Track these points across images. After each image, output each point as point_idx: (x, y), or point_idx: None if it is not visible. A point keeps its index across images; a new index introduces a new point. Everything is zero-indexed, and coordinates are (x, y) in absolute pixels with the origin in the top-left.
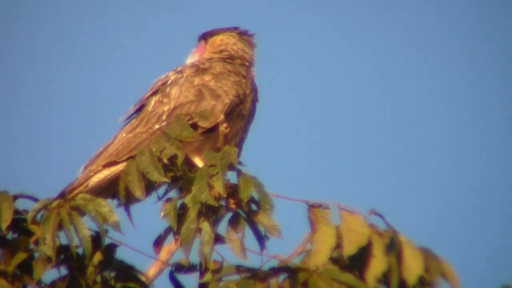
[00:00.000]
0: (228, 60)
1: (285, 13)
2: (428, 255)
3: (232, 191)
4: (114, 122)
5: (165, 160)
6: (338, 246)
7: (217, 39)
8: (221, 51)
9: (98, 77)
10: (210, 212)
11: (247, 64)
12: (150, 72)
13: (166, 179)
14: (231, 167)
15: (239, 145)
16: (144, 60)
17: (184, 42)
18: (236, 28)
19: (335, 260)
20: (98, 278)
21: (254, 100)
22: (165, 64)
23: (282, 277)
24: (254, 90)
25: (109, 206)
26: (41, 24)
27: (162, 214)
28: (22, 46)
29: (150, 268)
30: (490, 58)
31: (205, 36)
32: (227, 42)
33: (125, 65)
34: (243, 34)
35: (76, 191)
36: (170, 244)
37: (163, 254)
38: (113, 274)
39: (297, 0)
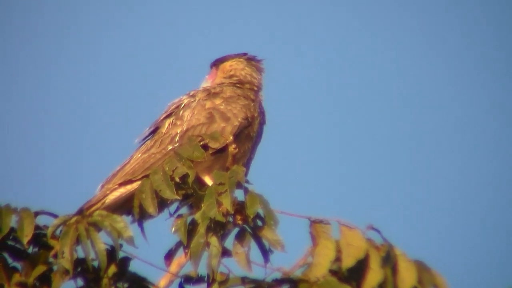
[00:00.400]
0: (238, 85)
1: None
2: (421, 267)
3: (239, 207)
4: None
5: (177, 179)
6: (338, 259)
7: (227, 65)
8: (231, 76)
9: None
10: (218, 228)
11: (255, 88)
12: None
13: (177, 197)
14: (238, 185)
15: (247, 165)
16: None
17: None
18: (244, 54)
19: (335, 272)
20: None
21: (262, 123)
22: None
23: None
24: (261, 113)
25: (124, 222)
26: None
27: (173, 229)
28: (43, 58)
29: (161, 280)
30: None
31: (216, 63)
32: (236, 67)
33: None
34: (251, 60)
35: (93, 208)
36: (180, 257)
37: (174, 266)
38: (126, 285)
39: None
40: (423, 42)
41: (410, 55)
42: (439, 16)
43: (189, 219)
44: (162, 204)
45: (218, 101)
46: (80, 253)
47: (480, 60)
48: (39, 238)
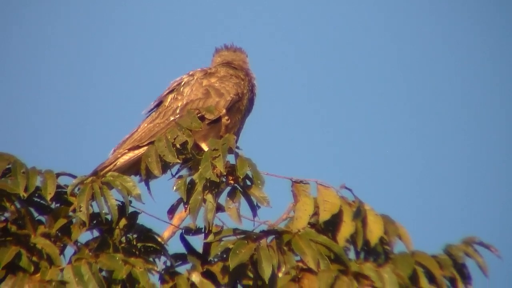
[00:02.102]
0: (231, 65)
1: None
2: (387, 220)
3: (231, 169)
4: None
5: (178, 145)
6: (316, 213)
7: (215, 57)
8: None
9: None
10: (213, 186)
11: (239, 67)
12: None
13: (178, 160)
14: (230, 151)
15: (237, 134)
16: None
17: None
18: (216, 49)
19: (313, 225)
20: (123, 239)
21: (250, 98)
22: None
23: (270, 238)
24: (251, 90)
25: (132, 182)
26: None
27: (174, 188)
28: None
29: (165, 231)
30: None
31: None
32: (214, 60)
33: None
34: (228, 49)
35: (106, 169)
36: (181, 212)
37: (175, 220)
38: (135, 235)
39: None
40: (422, 42)
41: (404, 53)
42: (439, 16)
43: (188, 179)
44: (165, 166)
45: (213, 80)
46: (95, 208)
47: (479, 60)
48: (60, 195)
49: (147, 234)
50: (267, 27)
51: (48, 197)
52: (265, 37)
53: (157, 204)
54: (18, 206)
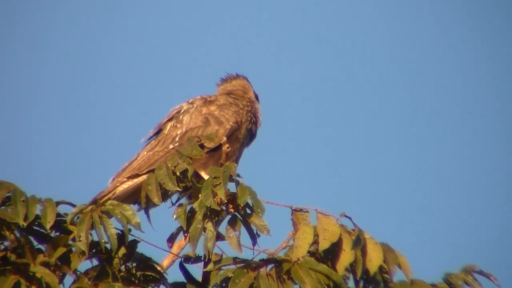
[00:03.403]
0: (231, 95)
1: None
2: (386, 249)
3: (232, 198)
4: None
5: (178, 173)
6: (315, 242)
7: (218, 87)
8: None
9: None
10: (213, 215)
11: (240, 96)
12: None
13: (178, 188)
14: (231, 179)
15: (236, 162)
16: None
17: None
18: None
19: (312, 253)
20: (123, 268)
21: (249, 128)
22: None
23: (269, 267)
24: (250, 119)
25: (132, 210)
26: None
27: (174, 216)
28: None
29: (164, 260)
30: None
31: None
32: (221, 88)
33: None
34: (224, 81)
35: (105, 198)
36: (180, 240)
37: (175, 248)
38: (134, 264)
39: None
40: (420, 42)
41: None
42: (437, 17)
43: (188, 207)
44: (165, 194)
45: (213, 108)
46: (94, 237)
47: (478, 61)
48: (60, 224)
49: (146, 263)
50: (269, 52)
51: (48, 226)
52: (264, 62)
53: (157, 233)
54: (18, 235)
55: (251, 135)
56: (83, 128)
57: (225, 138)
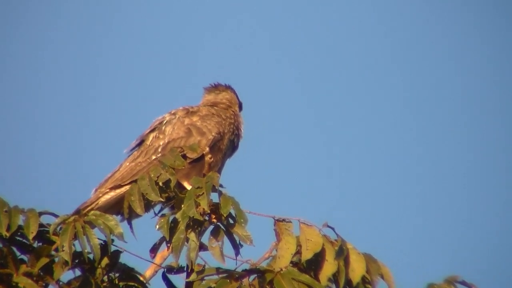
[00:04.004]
0: (212, 106)
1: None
2: (369, 259)
3: (214, 208)
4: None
5: (161, 184)
6: (298, 252)
7: (204, 95)
8: (205, 104)
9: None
10: (196, 225)
11: (223, 106)
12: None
13: (161, 199)
14: (214, 189)
15: (219, 173)
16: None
17: None
18: (204, 88)
19: (295, 264)
20: (105, 278)
21: (231, 139)
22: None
23: (252, 277)
24: (231, 130)
25: (115, 221)
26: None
27: (157, 226)
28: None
29: (147, 270)
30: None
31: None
32: (207, 98)
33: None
34: (206, 88)
35: (89, 208)
36: (163, 250)
37: (158, 258)
38: (117, 274)
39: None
40: (420, 42)
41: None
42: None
43: (171, 218)
44: (148, 205)
45: (195, 118)
46: (77, 247)
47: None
48: (42, 234)
49: (129, 273)
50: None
51: (31, 236)
52: (247, 67)
53: (140, 243)
54: (0, 245)
55: (233, 147)
56: (65, 139)
57: (207, 149)
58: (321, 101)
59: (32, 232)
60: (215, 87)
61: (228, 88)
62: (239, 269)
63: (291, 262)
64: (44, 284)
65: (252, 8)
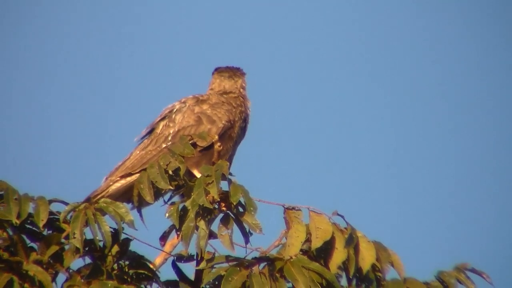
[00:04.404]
0: (223, 94)
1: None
2: (379, 247)
3: (224, 196)
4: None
5: (170, 172)
6: (308, 240)
7: (211, 80)
8: (212, 89)
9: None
10: (205, 213)
11: (234, 95)
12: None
13: (171, 187)
14: (223, 177)
15: (229, 161)
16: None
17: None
18: (215, 69)
19: (305, 252)
20: (115, 266)
21: (242, 126)
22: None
23: (262, 265)
24: (242, 118)
25: (125, 208)
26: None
27: (167, 215)
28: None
29: (157, 258)
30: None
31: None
32: (213, 82)
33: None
34: (222, 72)
35: (99, 196)
36: (173, 238)
37: (167, 246)
38: (127, 262)
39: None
40: (419, 42)
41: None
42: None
43: (180, 206)
44: (157, 193)
45: (205, 107)
46: (88, 235)
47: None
48: (52, 222)
49: (139, 261)
50: (265, 49)
51: (41, 224)
52: (260, 57)
53: (150, 231)
54: (11, 233)
55: (243, 133)
56: (77, 127)
57: (217, 137)
58: (331, 91)
59: (42, 220)
60: (233, 74)
61: (243, 74)
62: (249, 257)
63: (301, 250)
64: (54, 272)
65: (252, 8)
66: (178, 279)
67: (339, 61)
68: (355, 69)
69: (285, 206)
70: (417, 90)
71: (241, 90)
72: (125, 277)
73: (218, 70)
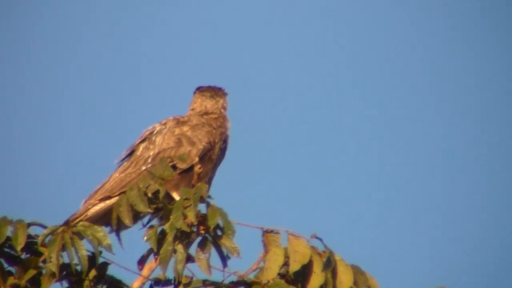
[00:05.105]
0: (203, 115)
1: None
2: (357, 271)
3: (202, 219)
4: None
5: (150, 195)
6: (286, 264)
7: (192, 100)
8: (193, 109)
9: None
10: (183, 237)
11: (215, 116)
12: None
13: (150, 210)
14: (202, 200)
15: (209, 183)
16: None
17: None
18: (197, 88)
19: (283, 275)
20: None
21: (222, 148)
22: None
23: None
24: (222, 139)
25: (103, 232)
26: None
27: (145, 238)
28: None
29: (135, 282)
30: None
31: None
32: (195, 102)
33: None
34: (203, 91)
35: (78, 219)
36: (151, 262)
37: (145, 270)
38: (105, 286)
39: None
40: (419, 42)
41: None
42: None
43: (159, 229)
44: (136, 216)
45: (185, 128)
46: (65, 259)
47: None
48: (31, 245)
49: (117, 285)
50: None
51: (19, 248)
52: (242, 79)
53: (128, 255)
54: None
55: (223, 153)
56: (56, 147)
57: (197, 159)
58: (308, 104)
59: (20, 244)
60: (215, 94)
61: (225, 94)
62: (227, 281)
63: (279, 273)
64: None
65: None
66: None
67: (316, 84)
68: (344, 85)
69: (264, 229)
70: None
71: (222, 110)
72: None
73: (200, 90)
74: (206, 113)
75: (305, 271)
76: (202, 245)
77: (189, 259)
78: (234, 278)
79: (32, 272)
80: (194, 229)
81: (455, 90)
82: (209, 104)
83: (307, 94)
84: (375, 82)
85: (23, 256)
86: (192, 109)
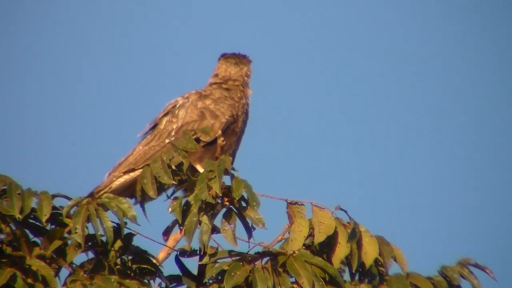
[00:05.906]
0: (224, 86)
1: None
2: (382, 242)
3: (227, 191)
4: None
5: (174, 167)
6: (311, 235)
7: (216, 66)
8: (216, 75)
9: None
10: (208, 208)
11: (237, 83)
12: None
13: (174, 182)
14: (226, 172)
15: (233, 155)
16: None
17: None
18: (222, 55)
19: (308, 246)
20: (118, 261)
21: (245, 120)
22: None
23: (265, 260)
24: (244, 111)
25: (128, 203)
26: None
27: (170, 209)
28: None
29: (160, 253)
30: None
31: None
32: (219, 68)
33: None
34: (228, 58)
35: (102, 192)
36: (176, 233)
37: (171, 241)
38: (130, 257)
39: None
40: (418, 42)
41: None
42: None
43: (183, 200)
44: (160, 188)
45: (208, 102)
46: (90, 230)
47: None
48: (55, 217)
49: (142, 256)
50: (267, 43)
51: (44, 219)
52: (262, 50)
53: (152, 226)
54: (13, 227)
55: (245, 125)
56: (81, 123)
57: (220, 132)
58: (334, 88)
59: (45, 215)
60: (239, 61)
61: (249, 61)
62: (252, 252)
63: (304, 244)
64: (57, 267)
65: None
66: (181, 274)
67: (346, 58)
68: (361, 66)
69: (288, 201)
70: (422, 88)
71: (245, 78)
72: (128, 272)
73: (225, 56)
74: (230, 79)
75: (330, 242)
76: (227, 216)
77: (214, 230)
78: (259, 249)
79: (57, 243)
80: (219, 201)
81: (456, 89)
82: (233, 70)
83: (334, 67)
84: (402, 72)
85: (48, 227)
86: (216, 75)
